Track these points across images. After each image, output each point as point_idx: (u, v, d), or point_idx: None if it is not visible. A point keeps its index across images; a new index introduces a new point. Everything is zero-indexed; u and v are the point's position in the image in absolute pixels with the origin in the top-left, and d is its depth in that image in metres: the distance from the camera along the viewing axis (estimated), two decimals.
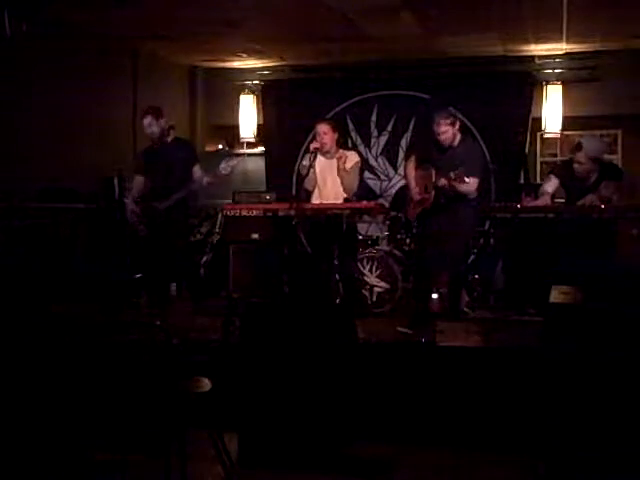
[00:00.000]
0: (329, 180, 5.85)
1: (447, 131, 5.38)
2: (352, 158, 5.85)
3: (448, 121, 5.37)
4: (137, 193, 5.91)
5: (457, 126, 5.44)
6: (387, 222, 6.86)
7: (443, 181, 5.32)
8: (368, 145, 8.42)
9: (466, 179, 5.12)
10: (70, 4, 5.64)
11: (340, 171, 5.74)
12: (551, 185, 5.75)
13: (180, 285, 6.36)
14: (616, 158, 7.66)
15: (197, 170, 5.87)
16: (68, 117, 6.73)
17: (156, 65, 8.00)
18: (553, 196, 5.79)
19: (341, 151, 5.89)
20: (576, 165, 5.51)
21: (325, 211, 5.65)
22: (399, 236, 6.56)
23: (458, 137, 5.48)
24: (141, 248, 5.99)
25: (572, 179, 5.60)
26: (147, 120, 5.81)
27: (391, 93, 8.22)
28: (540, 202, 5.73)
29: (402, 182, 7.32)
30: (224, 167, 5.72)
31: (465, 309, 5.77)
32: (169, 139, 5.95)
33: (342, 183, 5.75)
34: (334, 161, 5.80)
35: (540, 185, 7.40)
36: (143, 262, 6.03)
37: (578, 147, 5.50)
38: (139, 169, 5.99)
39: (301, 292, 5.81)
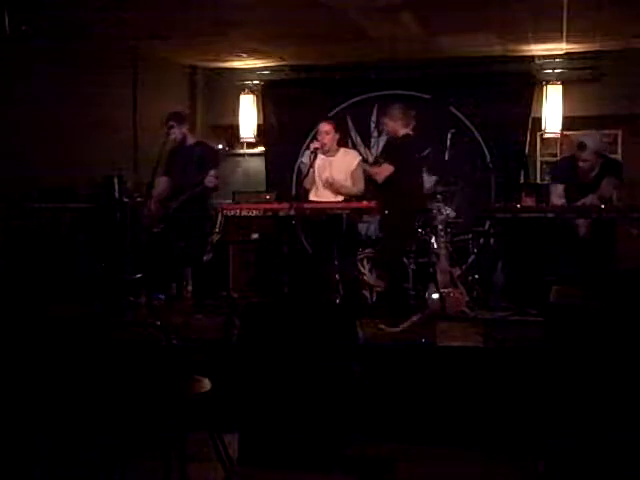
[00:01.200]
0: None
1: (387, 124, 5.83)
2: (352, 160, 5.86)
3: (393, 117, 5.76)
4: (157, 193, 5.97)
5: (400, 123, 5.74)
6: None
7: None
8: (368, 145, 8.39)
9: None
10: (70, 4, 5.64)
11: (325, 184, 5.76)
12: (559, 192, 5.71)
13: (180, 285, 6.37)
14: (616, 158, 7.65)
15: (211, 174, 5.87)
16: (68, 117, 6.73)
17: (156, 65, 7.99)
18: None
19: (342, 150, 5.90)
20: (581, 163, 5.51)
21: (325, 211, 5.65)
22: None
23: (402, 132, 5.74)
24: (151, 246, 6.09)
25: (574, 178, 5.60)
26: (170, 126, 5.90)
27: (391, 93, 8.21)
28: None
29: None
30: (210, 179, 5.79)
31: (465, 309, 5.77)
32: (191, 142, 6.04)
33: (332, 191, 5.78)
34: (327, 162, 5.79)
35: (540, 185, 7.41)
36: (151, 261, 6.08)
37: (582, 146, 5.48)
38: (164, 170, 6.07)
39: (301, 292, 5.81)
